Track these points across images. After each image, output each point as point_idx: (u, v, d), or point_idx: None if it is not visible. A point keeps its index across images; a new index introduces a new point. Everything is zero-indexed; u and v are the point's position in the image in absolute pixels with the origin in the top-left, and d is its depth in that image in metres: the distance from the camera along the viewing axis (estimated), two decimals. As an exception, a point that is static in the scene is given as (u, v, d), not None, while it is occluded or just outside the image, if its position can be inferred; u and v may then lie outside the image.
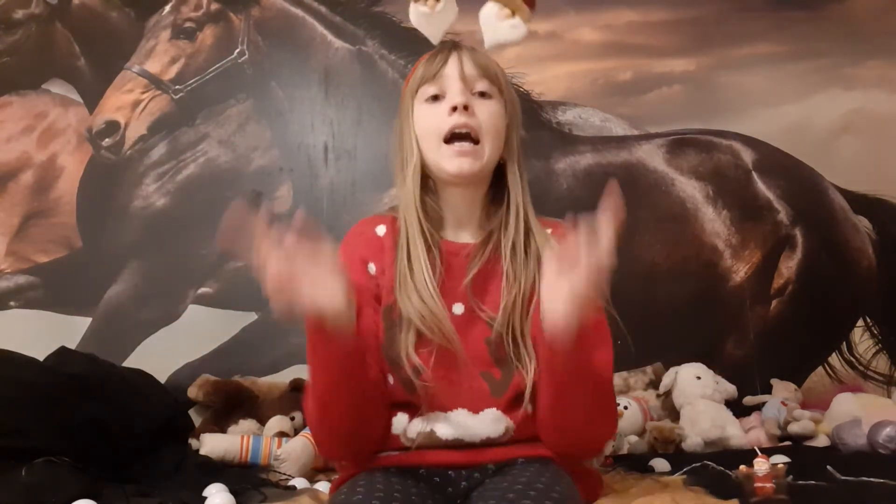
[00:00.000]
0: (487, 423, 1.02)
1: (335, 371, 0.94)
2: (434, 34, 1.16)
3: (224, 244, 0.84)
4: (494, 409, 1.02)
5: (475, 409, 1.02)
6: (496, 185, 1.12)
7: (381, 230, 1.10)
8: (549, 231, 1.10)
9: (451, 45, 1.09)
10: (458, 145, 1.04)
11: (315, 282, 0.83)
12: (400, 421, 1.04)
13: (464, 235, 1.11)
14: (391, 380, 1.03)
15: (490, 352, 1.03)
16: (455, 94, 1.04)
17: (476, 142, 1.05)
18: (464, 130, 1.04)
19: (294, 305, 0.83)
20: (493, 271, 1.06)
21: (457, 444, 1.03)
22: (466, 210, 1.11)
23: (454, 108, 1.04)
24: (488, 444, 1.03)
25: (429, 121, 1.07)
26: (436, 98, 1.07)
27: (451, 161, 1.05)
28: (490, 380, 1.03)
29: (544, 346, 0.93)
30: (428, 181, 1.10)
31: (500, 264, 1.06)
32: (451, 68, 1.06)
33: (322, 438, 1.05)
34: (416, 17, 1.14)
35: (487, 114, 1.06)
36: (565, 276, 0.84)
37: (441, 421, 1.02)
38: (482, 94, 1.07)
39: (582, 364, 0.92)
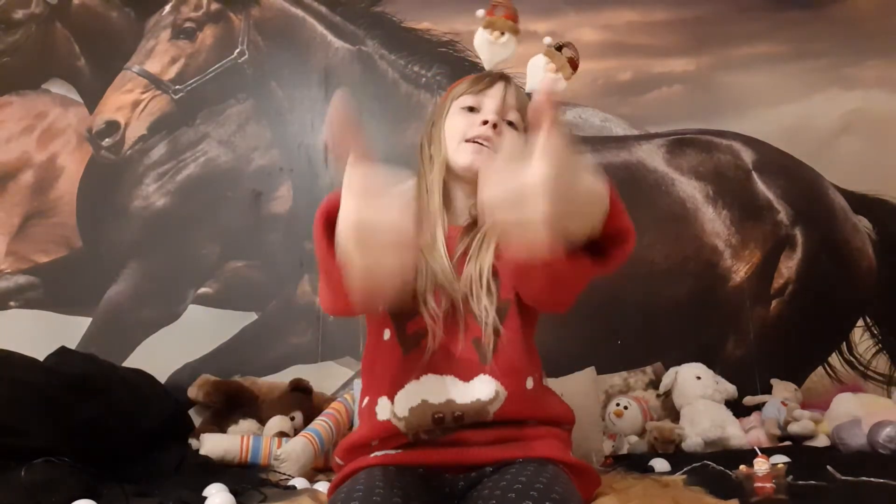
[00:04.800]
0: (476, 385, 1.05)
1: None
2: (489, 61, 1.28)
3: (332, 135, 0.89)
4: (483, 374, 1.06)
5: (466, 378, 1.06)
6: None
7: None
8: None
9: (500, 75, 1.22)
10: (476, 144, 1.15)
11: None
12: (383, 406, 1.06)
13: (459, 220, 1.20)
14: (387, 336, 1.08)
15: (474, 317, 1.09)
16: (489, 112, 1.16)
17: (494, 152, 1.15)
18: (486, 143, 1.15)
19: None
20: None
21: (453, 441, 1.04)
22: (466, 202, 1.20)
23: (485, 122, 1.15)
24: (479, 410, 1.04)
25: (459, 125, 1.18)
26: (471, 109, 1.18)
27: (466, 155, 1.15)
28: (478, 345, 1.08)
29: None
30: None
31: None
32: (495, 91, 1.18)
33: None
34: (480, 42, 1.27)
35: (509, 140, 1.17)
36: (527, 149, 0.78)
37: (430, 388, 1.05)
38: (510, 123, 1.18)
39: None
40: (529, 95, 1.26)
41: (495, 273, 1.10)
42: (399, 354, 1.07)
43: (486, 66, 1.28)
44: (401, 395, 1.05)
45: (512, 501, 0.89)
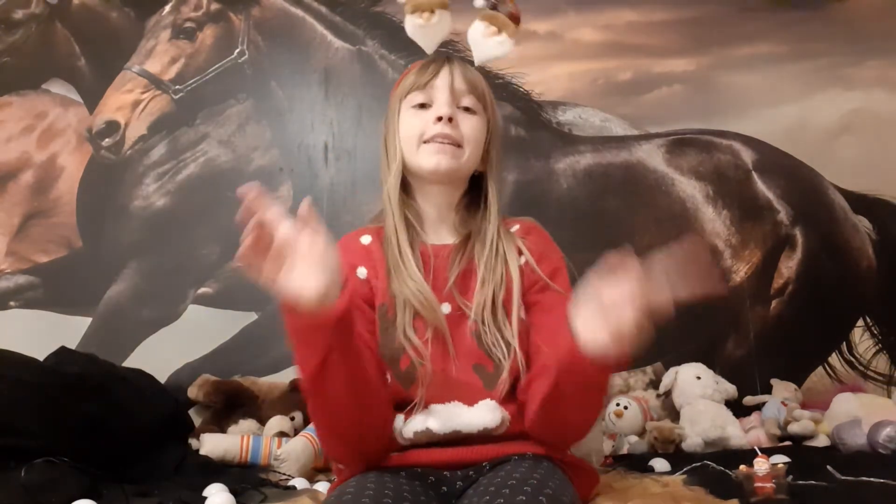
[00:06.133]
0: (483, 412, 1.04)
1: (336, 370, 0.94)
2: (428, 45, 1.21)
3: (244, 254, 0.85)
4: (489, 399, 1.04)
5: (470, 403, 1.04)
6: (471, 193, 1.17)
7: (366, 239, 1.15)
8: (516, 227, 1.16)
9: (444, 58, 1.15)
10: (437, 144, 1.09)
11: (297, 270, 0.84)
12: (395, 423, 1.05)
13: (443, 236, 1.15)
14: (389, 379, 1.05)
15: (478, 344, 1.06)
16: (442, 106, 1.10)
17: (457, 146, 1.11)
18: (445, 141, 1.10)
19: (263, 278, 0.84)
20: (471, 270, 1.11)
21: (453, 439, 1.04)
22: (443, 211, 1.15)
23: (439, 119, 1.09)
24: (484, 436, 1.03)
25: (413, 127, 1.12)
26: (423, 106, 1.12)
27: (429, 158, 1.09)
28: (482, 372, 1.06)
29: (564, 358, 0.94)
30: (409, 184, 1.15)
31: (475, 263, 1.11)
32: (442, 80, 1.12)
33: (327, 438, 1.05)
34: (412, 28, 1.19)
35: (469, 127, 1.12)
36: (612, 313, 0.86)
37: (436, 416, 1.03)
38: (467, 109, 1.13)
39: (594, 380, 0.96)
40: (481, 69, 1.19)
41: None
42: (402, 393, 1.05)
43: (428, 52, 1.21)
44: (410, 422, 1.04)
45: (506, 497, 0.89)
